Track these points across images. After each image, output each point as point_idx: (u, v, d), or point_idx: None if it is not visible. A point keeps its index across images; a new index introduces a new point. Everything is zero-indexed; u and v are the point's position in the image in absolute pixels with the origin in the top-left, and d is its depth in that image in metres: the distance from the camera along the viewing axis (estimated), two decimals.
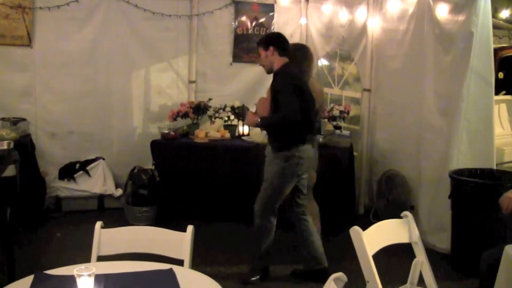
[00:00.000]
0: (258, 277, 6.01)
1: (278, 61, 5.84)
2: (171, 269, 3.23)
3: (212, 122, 8.37)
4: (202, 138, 7.93)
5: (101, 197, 8.30)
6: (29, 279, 3.05)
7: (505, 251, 3.75)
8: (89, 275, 2.84)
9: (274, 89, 5.74)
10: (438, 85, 6.72)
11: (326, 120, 8.19)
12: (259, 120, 5.85)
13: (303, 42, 9.48)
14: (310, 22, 9.48)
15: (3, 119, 7.57)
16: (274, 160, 5.80)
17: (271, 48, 5.83)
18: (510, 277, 3.68)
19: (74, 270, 2.85)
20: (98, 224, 3.64)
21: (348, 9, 8.56)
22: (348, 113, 8.24)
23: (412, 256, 4.02)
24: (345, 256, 6.40)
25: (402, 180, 7.50)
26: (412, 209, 7.05)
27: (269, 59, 5.86)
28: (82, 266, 2.92)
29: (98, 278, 2.91)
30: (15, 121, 7.59)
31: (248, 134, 8.24)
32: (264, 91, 8.85)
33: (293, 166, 5.74)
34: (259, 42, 6.02)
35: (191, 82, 8.87)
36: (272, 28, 9.31)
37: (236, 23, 9.15)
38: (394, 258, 5.30)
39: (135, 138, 8.79)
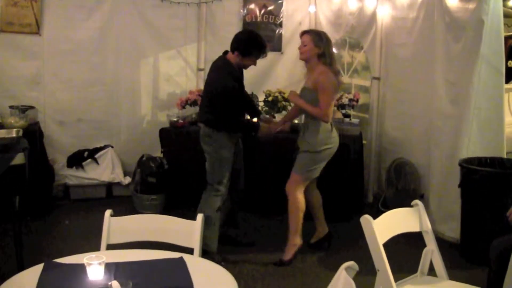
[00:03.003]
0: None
1: None
2: (181, 258, 3.23)
3: None
4: None
5: (109, 185, 8.32)
6: (39, 267, 3.05)
7: None
8: (100, 264, 2.84)
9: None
10: (448, 73, 6.68)
11: (335, 108, 8.16)
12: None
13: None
14: (319, 10, 9.44)
15: (11, 107, 7.57)
16: None
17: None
18: None
19: (84, 259, 2.85)
20: (108, 213, 3.63)
21: None
22: (357, 101, 8.21)
23: (423, 244, 4.01)
24: (354, 244, 6.43)
25: (411, 168, 7.47)
26: (421, 197, 7.01)
27: None
28: (93, 254, 2.92)
29: (108, 266, 2.91)
30: (23, 109, 7.59)
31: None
32: (273, 79, 8.88)
33: None
34: None
35: (199, 70, 8.86)
36: (281, 16, 9.29)
37: (245, 11, 9.13)
38: (405, 246, 5.30)
39: (144, 126, 8.79)
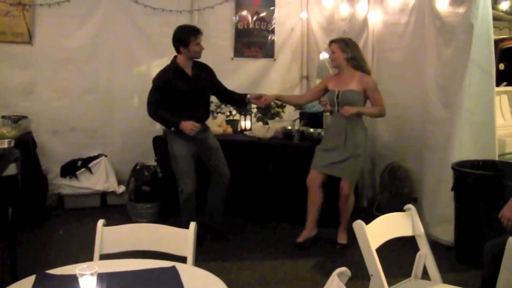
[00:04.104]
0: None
1: None
2: (174, 267, 3.22)
3: (214, 117, 8.32)
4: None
5: (103, 194, 8.31)
6: (32, 278, 3.05)
7: (508, 242, 3.76)
8: (92, 274, 2.84)
9: (208, 71, 6.85)
10: (439, 77, 6.72)
11: (328, 113, 8.18)
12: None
13: (304, 36, 9.54)
14: (311, 16, 9.50)
15: (3, 117, 7.59)
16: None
17: None
18: None
19: (76, 269, 2.84)
20: (100, 222, 3.62)
21: (349, 3, 8.55)
22: None
23: (416, 249, 4.02)
24: (349, 249, 6.44)
25: (405, 172, 7.49)
26: (415, 201, 7.04)
27: None
28: (85, 265, 2.92)
29: (101, 277, 2.90)
30: (16, 119, 7.59)
31: (250, 129, 8.23)
32: (266, 85, 8.87)
33: None
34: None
35: None
36: (273, 23, 9.33)
37: (237, 18, 9.17)
38: (398, 251, 5.30)
39: (137, 135, 8.76)
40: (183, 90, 6.51)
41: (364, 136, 6.58)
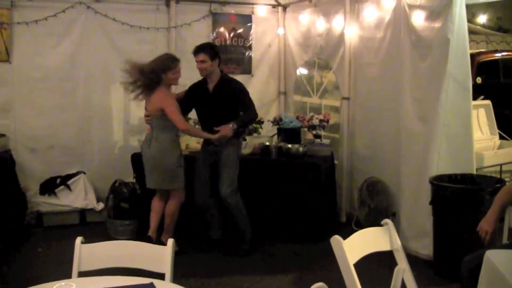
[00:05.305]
0: None
1: (218, 70, 7.12)
2: (151, 284, 3.22)
3: None
4: (183, 150, 7.85)
5: (82, 212, 8.26)
6: None
7: (486, 256, 3.77)
8: None
9: (235, 92, 7.05)
10: (416, 92, 6.76)
11: (306, 129, 8.21)
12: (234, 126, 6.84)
13: (281, 52, 9.59)
14: (288, 32, 9.55)
15: None
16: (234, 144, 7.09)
17: (217, 59, 7.05)
18: (491, 282, 3.70)
19: (54, 287, 2.84)
20: (78, 240, 3.62)
21: (325, 18, 8.60)
22: (327, 121, 8.23)
23: (394, 263, 4.03)
24: (327, 264, 6.44)
25: (383, 187, 7.51)
26: (393, 216, 7.06)
27: (214, 67, 7.01)
28: (62, 282, 2.91)
29: None
30: None
31: None
32: None
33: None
34: (203, 48, 7.01)
35: None
36: (250, 39, 9.36)
37: (214, 34, 9.19)
38: (376, 266, 5.31)
39: (116, 151, 8.78)
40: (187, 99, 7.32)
41: None
